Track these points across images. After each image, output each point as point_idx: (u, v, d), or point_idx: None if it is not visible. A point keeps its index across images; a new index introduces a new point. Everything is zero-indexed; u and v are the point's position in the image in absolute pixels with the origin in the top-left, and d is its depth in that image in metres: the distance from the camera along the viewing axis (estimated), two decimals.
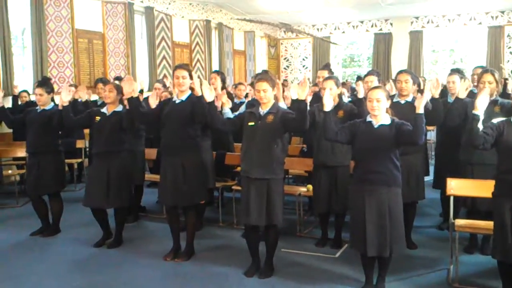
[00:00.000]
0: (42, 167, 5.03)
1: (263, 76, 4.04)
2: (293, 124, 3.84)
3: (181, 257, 4.43)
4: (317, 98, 5.11)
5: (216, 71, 6.68)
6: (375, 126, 3.57)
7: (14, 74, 8.21)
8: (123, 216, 4.95)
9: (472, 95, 5.19)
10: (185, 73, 4.27)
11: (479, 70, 5.26)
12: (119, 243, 4.88)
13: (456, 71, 5.10)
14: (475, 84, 5.41)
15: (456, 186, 4.06)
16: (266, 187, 3.85)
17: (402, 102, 4.52)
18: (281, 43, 17.97)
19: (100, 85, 6.32)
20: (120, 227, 4.92)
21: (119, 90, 4.76)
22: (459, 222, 4.00)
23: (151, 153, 6.05)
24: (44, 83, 5.22)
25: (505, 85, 5.80)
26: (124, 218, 4.99)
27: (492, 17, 14.75)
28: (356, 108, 4.55)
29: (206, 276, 4.10)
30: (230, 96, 6.26)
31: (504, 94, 5.43)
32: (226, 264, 4.33)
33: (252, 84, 7.01)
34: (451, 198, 4.05)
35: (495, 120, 3.48)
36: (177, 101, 4.32)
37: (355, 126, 3.68)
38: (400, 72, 4.63)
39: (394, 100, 4.54)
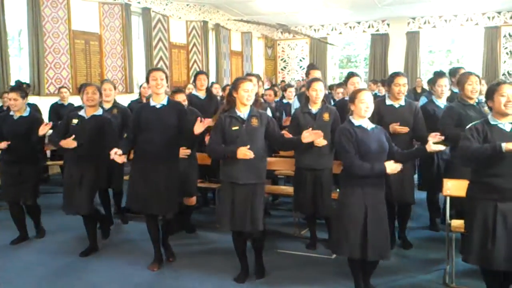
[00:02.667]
0: (24, 177, 4.83)
1: (248, 76, 3.99)
2: (277, 144, 3.95)
3: (170, 259, 4.42)
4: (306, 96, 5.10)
5: (200, 72, 6.53)
6: (369, 129, 3.51)
7: (10, 75, 8.20)
8: (93, 222, 4.75)
9: (453, 95, 5.20)
10: (163, 75, 4.12)
11: (462, 71, 5.32)
12: (93, 250, 4.71)
13: (444, 74, 5.07)
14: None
15: (453, 187, 4.05)
16: (251, 192, 3.74)
17: (397, 106, 4.48)
18: (278, 44, 17.97)
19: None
20: (93, 235, 4.74)
21: (101, 93, 4.67)
22: (455, 222, 4.00)
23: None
24: (18, 87, 5.04)
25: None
26: (94, 225, 4.78)
27: (489, 17, 14.78)
28: (337, 113, 4.55)
29: (200, 280, 4.08)
30: (214, 96, 6.28)
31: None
32: (220, 267, 4.30)
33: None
34: (448, 199, 4.06)
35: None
36: (158, 106, 4.14)
37: (353, 136, 3.49)
38: (398, 75, 4.53)
39: (388, 103, 4.49)
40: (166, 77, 4.18)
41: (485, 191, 3.17)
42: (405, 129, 4.31)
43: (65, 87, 8.33)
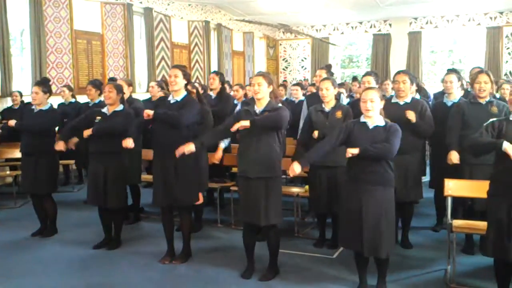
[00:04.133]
0: (38, 168, 5.02)
1: (261, 72, 4.08)
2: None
3: (178, 259, 4.42)
4: (315, 97, 5.13)
5: (215, 72, 6.60)
6: (370, 127, 3.58)
7: (12, 75, 8.22)
8: (121, 217, 4.94)
9: (468, 95, 5.22)
10: (178, 72, 4.21)
11: (476, 70, 5.30)
12: (117, 245, 4.88)
13: (453, 71, 5.11)
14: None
15: (454, 187, 4.06)
16: (264, 186, 3.82)
17: (401, 103, 4.57)
18: (280, 44, 17.98)
19: (90, 87, 6.30)
20: (118, 229, 4.92)
21: (118, 89, 4.76)
22: (457, 222, 4.00)
23: (147, 153, 6.01)
24: (41, 82, 5.22)
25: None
26: (122, 219, 4.98)
27: (491, 17, 14.76)
28: (350, 110, 4.60)
29: (204, 278, 4.10)
30: (226, 96, 6.25)
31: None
32: (224, 265, 4.33)
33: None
34: (449, 199, 4.06)
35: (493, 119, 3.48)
36: (172, 101, 4.28)
37: (348, 127, 3.67)
38: (398, 72, 4.68)
39: (393, 101, 4.59)
40: (184, 74, 4.25)
41: (502, 187, 3.25)
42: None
43: (65, 86, 8.31)
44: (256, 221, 3.87)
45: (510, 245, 3.17)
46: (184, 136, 4.17)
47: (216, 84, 6.03)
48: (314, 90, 6.18)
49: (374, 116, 3.57)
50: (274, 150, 3.84)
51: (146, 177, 6.36)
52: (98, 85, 6.15)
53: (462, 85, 5.19)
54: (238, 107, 5.35)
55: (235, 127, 3.80)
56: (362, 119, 3.64)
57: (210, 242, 5.04)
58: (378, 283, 3.72)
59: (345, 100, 5.67)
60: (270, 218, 3.84)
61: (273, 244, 4.01)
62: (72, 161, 7.54)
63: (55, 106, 7.73)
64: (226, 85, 8.15)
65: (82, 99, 8.14)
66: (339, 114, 4.53)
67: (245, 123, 3.76)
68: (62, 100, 8.02)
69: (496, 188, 3.33)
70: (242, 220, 4.05)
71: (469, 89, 5.79)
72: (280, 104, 4.01)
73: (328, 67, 5.70)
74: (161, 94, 5.77)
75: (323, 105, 4.63)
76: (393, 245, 3.64)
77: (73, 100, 7.97)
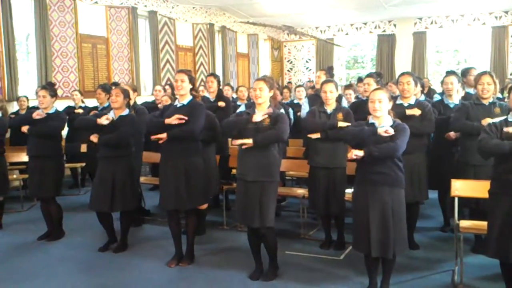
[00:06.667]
0: (45, 171, 5.04)
1: (262, 76, 4.08)
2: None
3: (184, 262, 4.43)
4: (317, 98, 5.13)
5: (212, 74, 6.56)
6: (378, 128, 3.57)
7: (18, 80, 8.25)
8: (128, 220, 4.95)
9: (468, 97, 5.22)
10: (184, 77, 4.24)
11: (474, 71, 5.33)
12: (124, 247, 4.88)
13: (452, 73, 5.12)
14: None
15: (461, 187, 4.05)
16: (260, 189, 3.84)
17: (405, 104, 4.56)
18: (285, 46, 17.97)
19: (100, 90, 6.31)
20: (126, 231, 4.93)
21: (126, 94, 4.78)
22: (464, 223, 3.98)
23: (150, 156, 6.03)
24: (48, 86, 5.27)
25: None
26: (129, 222, 4.99)
27: (496, 17, 14.69)
28: (351, 112, 4.64)
29: (210, 280, 4.10)
30: (226, 99, 6.23)
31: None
32: (230, 267, 4.33)
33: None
34: (456, 199, 4.04)
35: (492, 120, 3.48)
36: (178, 105, 4.31)
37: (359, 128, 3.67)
38: (402, 74, 4.69)
39: (398, 102, 4.58)
40: (190, 78, 4.28)
41: (504, 186, 3.23)
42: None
43: (77, 90, 8.37)
44: (250, 223, 3.89)
45: (510, 246, 3.15)
46: (187, 141, 4.22)
47: (214, 86, 6.05)
48: (313, 92, 6.19)
49: (382, 116, 3.57)
50: (272, 155, 3.88)
51: (151, 179, 6.38)
52: (108, 89, 6.16)
53: (462, 86, 5.20)
54: (242, 108, 5.33)
55: (238, 142, 3.86)
56: (371, 120, 3.64)
57: (216, 244, 5.04)
58: (382, 283, 3.71)
59: (345, 103, 5.67)
60: (264, 220, 3.85)
61: (270, 245, 4.02)
62: (79, 165, 7.54)
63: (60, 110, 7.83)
64: (228, 87, 8.21)
65: (87, 102, 8.19)
66: (340, 116, 4.55)
67: (248, 141, 3.81)
68: (68, 104, 8.07)
69: (496, 186, 3.32)
70: (238, 221, 4.07)
71: (467, 90, 5.77)
72: (282, 110, 4.01)
73: (329, 69, 5.70)
74: (165, 97, 5.78)
75: (325, 107, 4.64)
76: (404, 247, 3.62)
77: (83, 104, 8.02)
